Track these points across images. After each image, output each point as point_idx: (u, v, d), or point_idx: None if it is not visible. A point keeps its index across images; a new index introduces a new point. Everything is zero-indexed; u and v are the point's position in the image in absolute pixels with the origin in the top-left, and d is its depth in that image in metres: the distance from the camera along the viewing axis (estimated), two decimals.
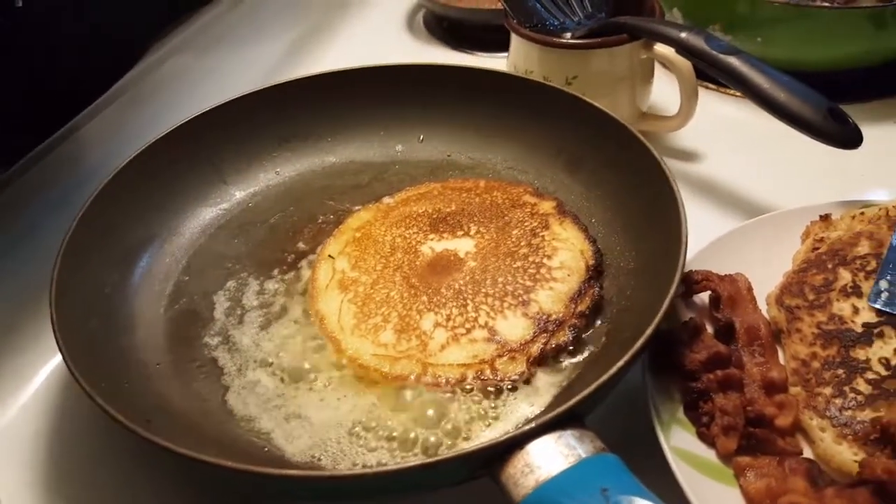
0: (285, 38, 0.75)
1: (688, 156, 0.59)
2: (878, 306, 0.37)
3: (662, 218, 0.40)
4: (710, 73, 0.49)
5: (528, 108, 0.51)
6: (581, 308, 0.41)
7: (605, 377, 0.31)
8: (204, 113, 0.50)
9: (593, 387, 0.31)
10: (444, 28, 0.76)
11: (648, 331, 0.33)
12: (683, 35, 0.50)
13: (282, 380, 0.39)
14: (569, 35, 0.56)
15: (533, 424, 0.29)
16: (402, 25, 0.79)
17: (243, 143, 0.51)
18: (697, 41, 0.49)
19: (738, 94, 0.49)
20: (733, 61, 0.47)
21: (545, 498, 0.28)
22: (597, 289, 0.42)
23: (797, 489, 0.29)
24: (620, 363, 0.32)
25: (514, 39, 0.57)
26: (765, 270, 0.42)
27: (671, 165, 0.58)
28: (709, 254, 0.43)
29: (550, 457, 0.29)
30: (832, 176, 0.53)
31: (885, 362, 0.36)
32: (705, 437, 0.35)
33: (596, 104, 0.47)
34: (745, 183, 0.55)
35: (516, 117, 0.51)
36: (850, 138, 0.43)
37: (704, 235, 0.43)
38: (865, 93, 0.62)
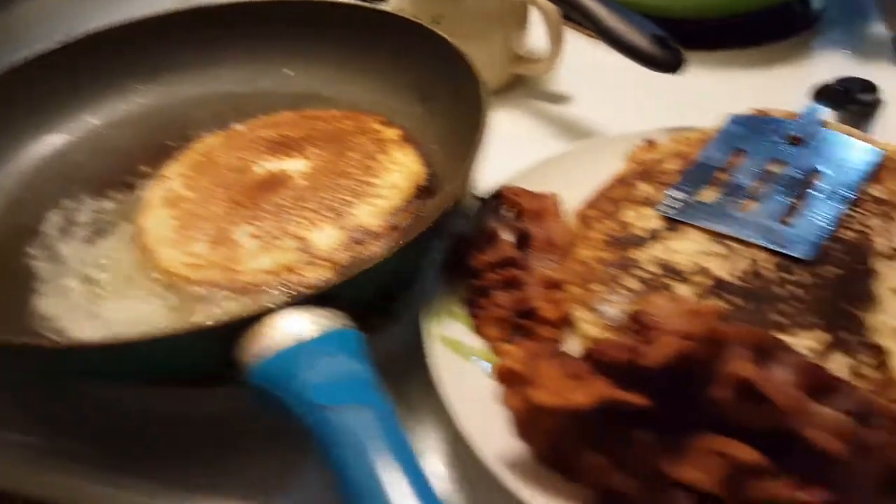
0: None
1: (561, 98, 0.60)
2: (662, 211, 0.38)
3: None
4: (563, 9, 0.50)
5: (388, 42, 0.51)
6: (398, 222, 0.42)
7: (368, 265, 0.32)
8: (68, 43, 0.51)
9: (352, 273, 0.32)
10: None
11: (418, 227, 0.34)
12: None
13: (93, 287, 0.40)
14: None
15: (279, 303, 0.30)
16: None
17: (106, 73, 0.52)
18: None
19: None
20: None
21: (275, 366, 0.28)
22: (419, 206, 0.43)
23: (516, 357, 0.29)
24: (386, 252, 0.33)
25: None
26: (585, 191, 0.43)
27: (545, 108, 0.59)
28: (532, 173, 0.44)
29: (289, 330, 0.29)
30: (687, 111, 0.53)
31: (657, 261, 0.36)
32: (478, 330, 0.36)
33: (440, 34, 0.48)
34: (608, 121, 0.55)
35: (378, 52, 0.52)
36: (671, 62, 0.44)
37: None
38: (725, 41, 0.63)
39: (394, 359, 0.33)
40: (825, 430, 0.27)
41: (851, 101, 0.48)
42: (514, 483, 0.29)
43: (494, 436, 0.31)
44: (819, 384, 0.29)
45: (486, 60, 0.57)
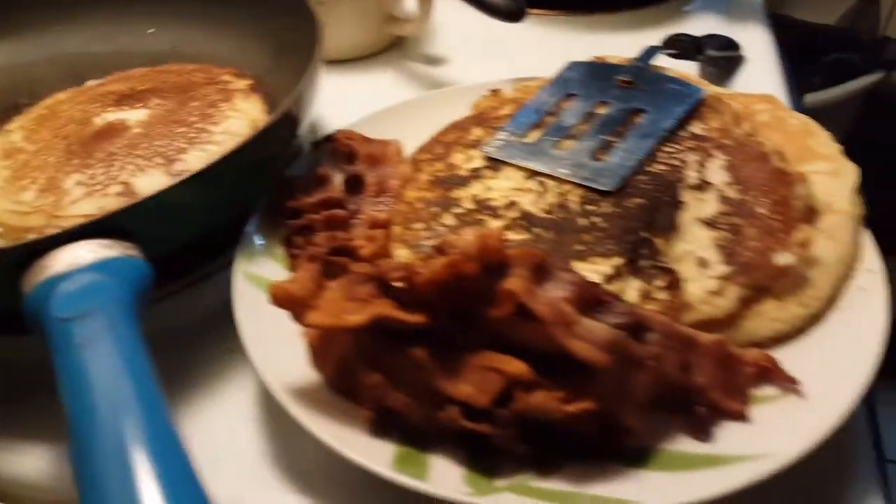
0: None
1: (436, 60, 0.60)
2: (486, 152, 0.39)
3: None
4: None
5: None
6: None
7: (164, 187, 0.32)
8: None
9: (139, 199, 0.31)
10: None
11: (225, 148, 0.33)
12: None
13: None
14: None
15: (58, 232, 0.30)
16: None
17: None
18: None
19: None
20: None
21: (38, 301, 0.28)
22: None
23: (295, 280, 0.29)
24: (187, 175, 0.32)
25: None
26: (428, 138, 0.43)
27: (420, 70, 0.59)
28: (377, 120, 0.44)
29: (65, 259, 0.29)
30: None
31: (475, 199, 0.37)
32: (293, 269, 0.36)
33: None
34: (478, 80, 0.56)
35: (236, 8, 0.52)
36: (513, 12, 0.45)
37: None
38: (604, 4, 0.64)
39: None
40: (591, 342, 0.28)
41: (700, 51, 0.49)
42: (296, 408, 0.29)
43: (291, 367, 0.31)
44: (591, 301, 0.29)
45: (358, 19, 0.58)
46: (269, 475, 0.32)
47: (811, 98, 1.37)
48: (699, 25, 0.62)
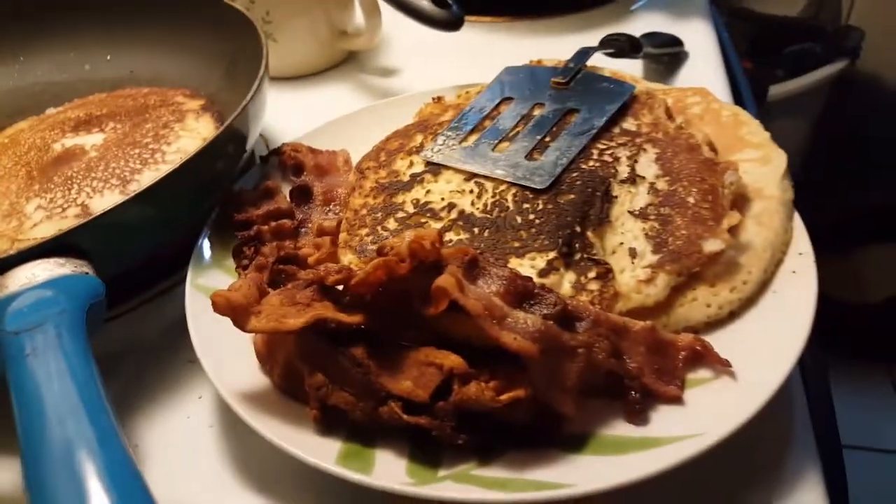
0: None
1: (388, 72, 0.62)
2: (426, 157, 0.40)
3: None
4: None
5: (198, 22, 0.53)
6: None
7: (115, 204, 0.33)
8: None
9: (86, 220, 0.33)
10: None
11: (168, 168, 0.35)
12: None
13: None
14: None
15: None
16: None
17: None
18: None
19: None
20: None
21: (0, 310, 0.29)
22: None
23: (235, 289, 0.31)
24: (136, 192, 0.34)
25: None
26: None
27: (373, 81, 0.61)
28: (325, 131, 0.46)
29: (21, 279, 0.30)
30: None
31: (416, 202, 0.38)
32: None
33: (239, 9, 0.49)
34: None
35: (189, 31, 0.53)
36: (450, 22, 0.46)
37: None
38: (554, 8, 0.66)
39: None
40: (521, 334, 0.29)
41: (637, 49, 0.51)
42: (246, 412, 0.30)
43: (242, 373, 0.33)
44: (522, 294, 0.31)
45: (309, 37, 0.60)
46: (227, 478, 0.33)
47: (776, 89, 1.39)
48: (645, 24, 0.64)
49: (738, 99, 0.76)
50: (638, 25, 0.64)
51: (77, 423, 0.24)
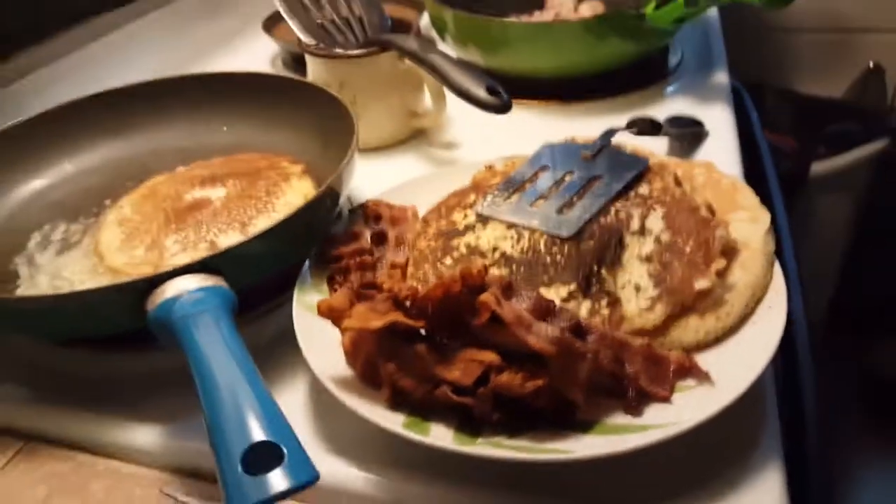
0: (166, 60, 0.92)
1: (451, 145, 0.73)
2: (478, 211, 0.51)
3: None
4: (423, 68, 0.64)
5: (301, 103, 0.65)
6: None
7: (242, 240, 0.45)
8: (52, 109, 0.65)
9: (228, 245, 0.44)
10: (297, 62, 0.93)
11: (285, 213, 0.46)
12: (407, 44, 0.65)
13: (57, 282, 0.53)
14: (341, 50, 0.71)
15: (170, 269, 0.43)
16: (266, 63, 0.96)
17: (81, 131, 0.66)
18: (412, 45, 0.64)
19: None
20: (433, 57, 0.62)
21: (165, 311, 0.40)
22: None
23: (335, 298, 0.41)
24: (258, 233, 0.45)
25: (306, 56, 0.72)
26: None
27: (436, 153, 0.73)
28: (400, 190, 0.57)
29: (178, 287, 0.42)
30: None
31: (468, 246, 0.49)
32: None
33: (336, 96, 0.61)
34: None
35: (293, 110, 0.66)
36: (500, 107, 0.58)
37: None
38: (595, 92, 0.76)
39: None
40: (543, 338, 0.39)
41: (658, 130, 0.61)
42: (337, 391, 0.41)
43: (334, 366, 0.43)
44: (545, 311, 0.41)
45: (386, 116, 0.72)
46: (319, 447, 0.43)
47: (818, 166, 1.47)
48: (674, 106, 0.75)
49: (761, 169, 0.86)
50: (668, 108, 0.74)
51: (238, 382, 0.34)
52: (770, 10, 0.63)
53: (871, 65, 1.66)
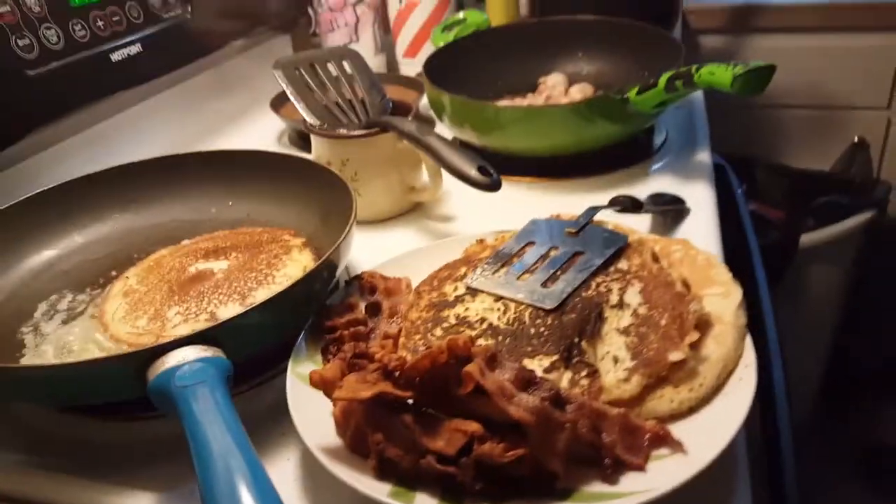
0: (177, 137, 0.97)
1: (447, 218, 0.77)
2: (468, 283, 0.53)
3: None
4: (418, 148, 0.68)
5: (303, 179, 0.69)
6: None
7: (240, 312, 0.47)
8: (62, 183, 0.69)
9: (225, 319, 0.47)
10: (303, 140, 0.97)
11: (282, 285, 0.49)
12: (405, 126, 0.69)
13: (63, 351, 0.55)
14: (344, 131, 0.75)
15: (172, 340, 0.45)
16: (273, 140, 1.01)
17: (91, 204, 0.70)
18: (410, 128, 0.68)
19: None
20: (429, 139, 0.66)
21: (165, 381, 0.43)
22: None
23: (326, 369, 0.43)
24: (255, 305, 0.48)
25: (311, 135, 0.77)
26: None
27: (433, 226, 0.76)
28: (396, 262, 0.60)
29: (178, 358, 0.44)
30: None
31: (457, 316, 0.51)
32: None
33: (336, 174, 0.65)
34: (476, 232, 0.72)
35: (295, 186, 0.69)
36: (490, 185, 0.61)
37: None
38: (582, 170, 0.80)
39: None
40: (524, 409, 0.41)
41: (639, 207, 0.64)
42: (326, 460, 0.42)
43: (324, 436, 0.45)
44: (527, 382, 0.43)
45: (385, 191, 0.76)
46: None
47: (807, 238, 1.50)
48: (658, 184, 0.78)
49: (744, 241, 0.89)
50: (652, 185, 0.78)
51: (231, 452, 0.36)
52: (743, 96, 0.66)
53: (857, 139, 1.71)
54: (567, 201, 0.75)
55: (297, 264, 0.61)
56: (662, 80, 0.70)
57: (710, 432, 0.43)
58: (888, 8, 1.56)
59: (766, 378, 0.68)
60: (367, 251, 0.69)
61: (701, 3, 1.64)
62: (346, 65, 0.79)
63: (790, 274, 1.47)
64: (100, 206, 0.70)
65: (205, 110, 1.04)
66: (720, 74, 0.64)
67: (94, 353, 0.54)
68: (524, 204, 0.77)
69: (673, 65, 0.72)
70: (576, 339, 0.48)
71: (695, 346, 0.47)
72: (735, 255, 0.55)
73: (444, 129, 0.85)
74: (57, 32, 0.76)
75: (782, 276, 1.45)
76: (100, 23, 0.82)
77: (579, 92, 0.90)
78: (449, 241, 0.63)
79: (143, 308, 0.58)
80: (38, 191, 0.67)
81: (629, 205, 0.63)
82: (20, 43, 0.73)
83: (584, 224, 0.57)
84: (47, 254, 0.66)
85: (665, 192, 0.73)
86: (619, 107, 0.74)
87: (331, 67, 0.79)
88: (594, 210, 0.59)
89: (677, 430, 0.44)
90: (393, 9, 1.16)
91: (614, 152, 0.82)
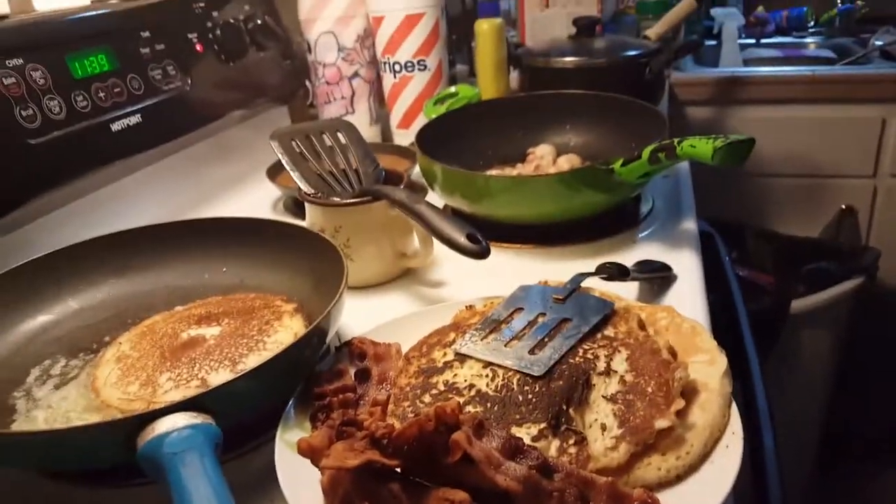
0: (175, 202, 0.98)
1: (437, 283, 0.78)
2: (457, 350, 0.54)
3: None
4: (409, 217, 0.69)
5: (296, 246, 0.70)
6: None
7: (229, 379, 0.48)
8: (58, 250, 0.70)
9: (215, 385, 0.47)
10: (298, 206, 0.99)
11: (267, 355, 0.50)
12: (397, 195, 0.71)
13: (53, 416, 0.55)
14: (337, 199, 0.77)
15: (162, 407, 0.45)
16: (269, 207, 1.03)
17: (86, 270, 0.70)
18: (401, 196, 0.70)
19: None
20: (420, 208, 0.68)
21: (154, 447, 0.43)
22: None
23: (314, 437, 0.44)
24: (245, 371, 0.48)
25: (305, 203, 0.78)
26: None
27: (424, 291, 0.77)
28: (386, 328, 0.60)
29: (167, 425, 0.44)
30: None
31: (446, 383, 0.52)
32: None
33: (329, 240, 0.66)
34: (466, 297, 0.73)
35: (289, 253, 0.71)
36: (479, 252, 0.62)
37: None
38: (569, 238, 0.82)
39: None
40: (511, 477, 0.41)
41: (625, 275, 0.65)
42: None
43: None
44: (514, 450, 0.43)
45: (376, 257, 0.77)
46: None
47: (798, 304, 1.51)
48: (646, 251, 0.80)
49: (732, 308, 0.90)
50: (639, 252, 0.79)
51: None
52: (723, 167, 0.68)
53: (844, 206, 1.75)
54: (555, 268, 0.76)
55: (288, 330, 0.61)
56: (646, 152, 0.72)
57: (698, 500, 0.43)
58: (869, 80, 1.62)
59: (756, 444, 0.68)
60: (358, 316, 0.69)
61: (687, 75, 1.70)
62: (340, 136, 0.82)
63: (783, 339, 1.48)
64: (95, 272, 0.71)
65: (203, 177, 1.07)
66: (701, 147, 0.66)
67: (85, 419, 0.54)
68: (513, 270, 0.78)
69: (658, 137, 0.75)
70: (564, 407, 0.48)
71: (681, 413, 0.48)
72: (724, 322, 0.56)
73: (435, 197, 0.87)
74: (59, 103, 0.79)
75: (776, 342, 1.46)
76: (101, 94, 0.84)
77: (567, 162, 0.92)
78: (439, 307, 0.63)
79: (135, 373, 0.58)
80: (34, 257, 0.68)
81: (616, 272, 0.64)
82: (23, 113, 0.75)
83: (572, 291, 0.58)
84: (41, 319, 0.67)
85: (652, 259, 0.74)
86: (605, 177, 0.76)
87: (326, 138, 0.81)
88: (581, 277, 0.60)
89: (665, 498, 0.44)
90: (388, 82, 1.19)
91: (602, 220, 0.84)
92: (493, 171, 0.93)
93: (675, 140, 0.70)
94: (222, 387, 0.47)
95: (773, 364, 1.48)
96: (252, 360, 0.58)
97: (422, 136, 0.90)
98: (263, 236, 0.73)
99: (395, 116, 1.21)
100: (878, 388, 1.77)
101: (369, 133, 1.23)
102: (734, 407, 0.49)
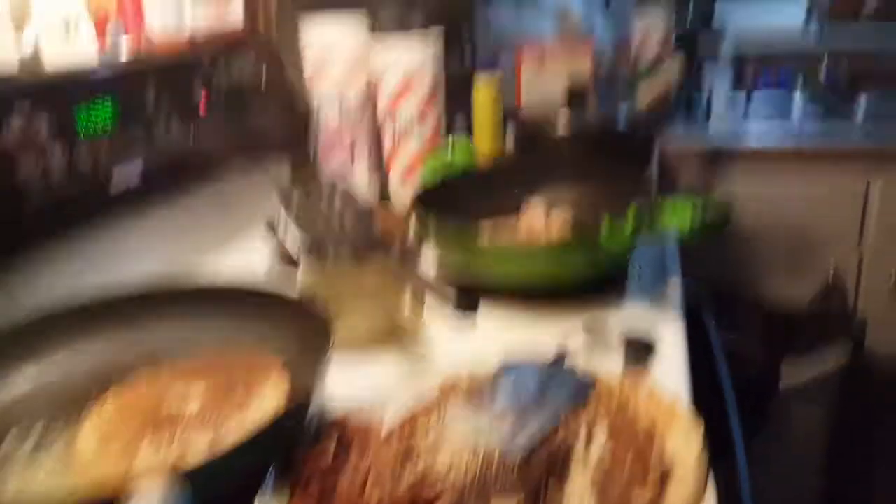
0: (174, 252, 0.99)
1: (426, 345, 0.78)
2: (439, 427, 0.54)
3: None
4: (401, 279, 0.70)
5: (285, 314, 0.70)
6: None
7: (205, 456, 0.48)
8: (37, 316, 0.70)
9: (194, 456, 0.47)
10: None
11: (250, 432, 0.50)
12: (389, 259, 0.72)
13: (28, 482, 0.55)
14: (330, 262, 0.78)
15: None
16: (267, 258, 1.03)
17: (76, 332, 0.71)
18: (394, 260, 0.71)
19: None
20: (412, 271, 0.69)
21: None
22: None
23: None
24: (223, 452, 0.49)
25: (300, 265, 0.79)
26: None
27: (413, 354, 0.77)
28: (368, 399, 0.61)
29: (143, 499, 0.44)
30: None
31: (426, 461, 0.52)
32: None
33: (315, 302, 0.67)
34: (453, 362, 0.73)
35: (278, 319, 0.70)
36: (469, 311, 0.64)
37: None
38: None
39: None
40: None
41: (608, 346, 0.66)
42: None
43: None
44: None
45: (367, 321, 0.78)
46: None
47: (787, 377, 1.52)
48: (631, 319, 0.80)
49: (717, 382, 0.90)
50: (624, 321, 0.80)
51: None
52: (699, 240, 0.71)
53: (832, 271, 1.76)
54: (541, 330, 0.77)
55: (273, 395, 0.61)
56: (629, 227, 0.74)
57: None
58: (852, 153, 1.66)
59: None
60: (345, 380, 0.69)
61: (676, 145, 1.74)
62: (337, 199, 0.84)
63: (773, 411, 1.48)
64: (81, 334, 0.71)
65: (202, 227, 1.08)
66: (679, 223, 0.69)
67: (60, 489, 0.54)
68: (499, 335, 0.78)
69: (643, 198, 0.78)
70: (544, 481, 0.49)
71: (658, 487, 0.48)
72: (708, 395, 0.57)
73: (428, 254, 0.89)
74: (62, 159, 0.80)
75: (766, 414, 1.46)
76: (104, 150, 0.86)
77: (558, 216, 0.95)
78: (425, 377, 0.64)
79: (116, 441, 0.58)
80: (21, 320, 0.68)
81: (599, 344, 0.65)
82: (24, 169, 0.76)
83: (554, 368, 0.59)
84: (24, 384, 0.67)
85: (636, 328, 0.75)
86: (592, 250, 0.77)
87: (324, 199, 0.83)
88: (564, 355, 0.61)
89: None
90: (387, 141, 1.22)
91: (589, 286, 0.85)
92: (488, 223, 0.96)
93: (655, 216, 0.72)
94: (201, 463, 0.47)
95: (761, 443, 1.48)
96: (235, 426, 0.58)
97: (417, 196, 0.93)
98: (253, 299, 0.73)
99: (394, 175, 1.24)
100: (870, 462, 1.76)
101: (367, 191, 1.25)
102: (711, 481, 0.50)
